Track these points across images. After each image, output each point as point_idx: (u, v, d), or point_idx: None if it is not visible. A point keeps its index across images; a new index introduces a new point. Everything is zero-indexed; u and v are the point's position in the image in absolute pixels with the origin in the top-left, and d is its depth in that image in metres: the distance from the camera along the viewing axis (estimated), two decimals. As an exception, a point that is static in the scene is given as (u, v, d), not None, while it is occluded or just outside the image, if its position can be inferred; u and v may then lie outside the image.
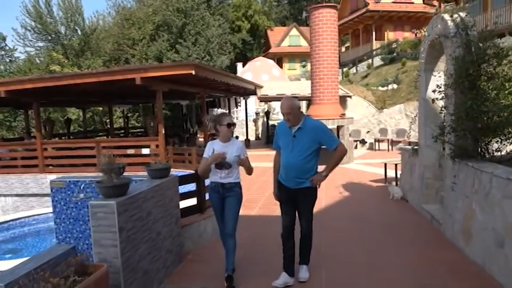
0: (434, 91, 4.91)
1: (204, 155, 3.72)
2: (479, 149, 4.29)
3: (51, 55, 26.44)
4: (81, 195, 3.75)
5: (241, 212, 6.42)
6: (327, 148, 3.46)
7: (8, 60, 33.86)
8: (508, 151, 4.22)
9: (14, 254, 6.92)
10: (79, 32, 29.25)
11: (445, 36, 4.65)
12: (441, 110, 4.77)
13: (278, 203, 3.73)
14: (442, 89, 4.67)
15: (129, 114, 25.75)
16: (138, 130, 22.00)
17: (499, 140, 4.13)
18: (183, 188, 4.78)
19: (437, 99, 4.90)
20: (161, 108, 8.99)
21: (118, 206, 2.97)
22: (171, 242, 3.99)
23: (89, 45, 28.97)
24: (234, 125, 3.72)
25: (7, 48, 33.93)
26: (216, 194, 3.73)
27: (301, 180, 3.47)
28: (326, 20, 11.27)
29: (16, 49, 32.15)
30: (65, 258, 4.03)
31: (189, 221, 4.70)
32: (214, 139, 3.87)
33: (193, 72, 7.76)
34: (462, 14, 4.67)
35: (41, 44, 30.03)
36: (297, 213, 3.64)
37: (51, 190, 4.24)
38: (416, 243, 4.74)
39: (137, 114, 29.72)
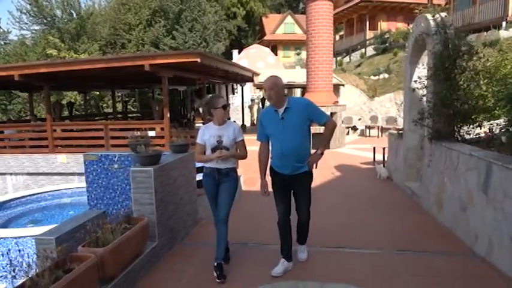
0: (415, 81, 5.63)
1: (197, 140, 3.57)
2: (452, 132, 5.03)
3: (48, 38, 26.57)
4: (116, 166, 4.41)
5: (244, 188, 7.18)
6: (317, 123, 3.41)
7: (2, 42, 33.81)
8: (476, 134, 4.95)
9: (35, 224, 7.56)
10: (74, 16, 29.32)
11: (427, 34, 5.34)
12: (421, 98, 5.49)
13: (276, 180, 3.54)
14: (423, 79, 5.38)
15: (126, 99, 26.13)
16: (135, 115, 22.49)
17: (468, 124, 4.87)
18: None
19: (418, 88, 5.61)
20: (167, 93, 9.57)
21: (154, 172, 3.65)
22: (190, 207, 4.69)
23: (85, 29, 29.08)
24: (228, 105, 3.60)
25: (1, 30, 33.85)
26: (211, 180, 3.58)
27: (300, 165, 3.35)
28: (322, 12, 11.85)
29: (10, 31, 32.14)
30: (97, 220, 4.74)
31: (203, 191, 5.38)
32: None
33: (198, 60, 8.33)
34: (442, 14, 5.35)
35: (36, 28, 30.08)
36: (293, 199, 3.53)
37: (84, 163, 4.90)
38: (398, 213, 5.50)
39: (133, 99, 30.09)
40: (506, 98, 3.86)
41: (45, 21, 29.34)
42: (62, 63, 9.08)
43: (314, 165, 3.40)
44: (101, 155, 4.80)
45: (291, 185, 3.44)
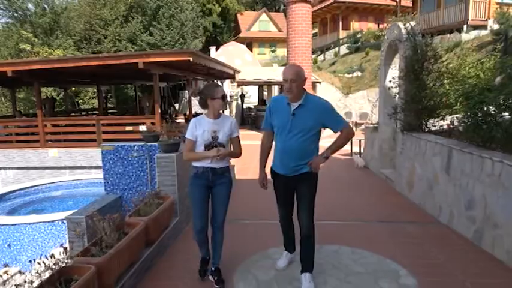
0: (390, 81, 6.50)
1: (187, 136, 3.10)
2: (420, 124, 5.93)
3: (21, 33, 26.06)
4: (135, 154, 4.98)
5: (237, 177, 7.85)
6: (331, 129, 3.03)
7: (-31, 36, 32.62)
8: (440, 126, 5.87)
9: (36, 214, 7.92)
10: (47, 10, 28.82)
11: (399, 40, 6.21)
12: (395, 95, 6.36)
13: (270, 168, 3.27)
14: (396, 80, 6.25)
15: (104, 95, 26.09)
16: (112, 111, 22.59)
17: (434, 118, 5.78)
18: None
19: (392, 87, 6.48)
20: (158, 89, 10.08)
21: (176, 158, 4.28)
22: (198, 190, 5.33)
23: (59, 24, 28.66)
24: (226, 96, 3.20)
25: (-33, 23, 32.66)
26: (203, 181, 3.12)
27: (300, 167, 3.01)
28: (301, 14, 12.68)
29: (-22, 25, 31.11)
30: (115, 204, 5.32)
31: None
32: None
33: (191, 59, 8.88)
34: (412, 23, 6.22)
35: (6, 21, 29.35)
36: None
37: (102, 152, 5.43)
38: (375, 194, 6.38)
39: (109, 95, 29.96)
40: (464, 95, 4.74)
41: (15, 14, 28.70)
42: (56, 60, 9.39)
43: (317, 168, 3.02)
44: (117, 145, 5.34)
45: (293, 187, 3.13)
